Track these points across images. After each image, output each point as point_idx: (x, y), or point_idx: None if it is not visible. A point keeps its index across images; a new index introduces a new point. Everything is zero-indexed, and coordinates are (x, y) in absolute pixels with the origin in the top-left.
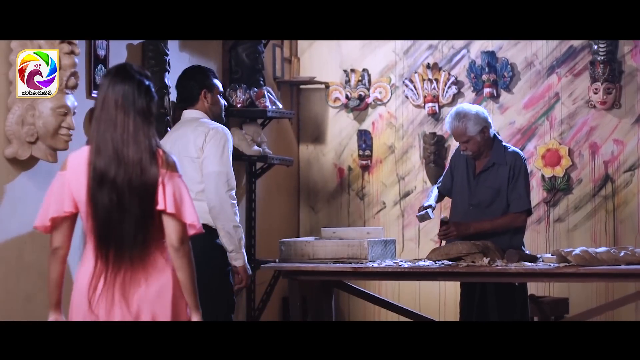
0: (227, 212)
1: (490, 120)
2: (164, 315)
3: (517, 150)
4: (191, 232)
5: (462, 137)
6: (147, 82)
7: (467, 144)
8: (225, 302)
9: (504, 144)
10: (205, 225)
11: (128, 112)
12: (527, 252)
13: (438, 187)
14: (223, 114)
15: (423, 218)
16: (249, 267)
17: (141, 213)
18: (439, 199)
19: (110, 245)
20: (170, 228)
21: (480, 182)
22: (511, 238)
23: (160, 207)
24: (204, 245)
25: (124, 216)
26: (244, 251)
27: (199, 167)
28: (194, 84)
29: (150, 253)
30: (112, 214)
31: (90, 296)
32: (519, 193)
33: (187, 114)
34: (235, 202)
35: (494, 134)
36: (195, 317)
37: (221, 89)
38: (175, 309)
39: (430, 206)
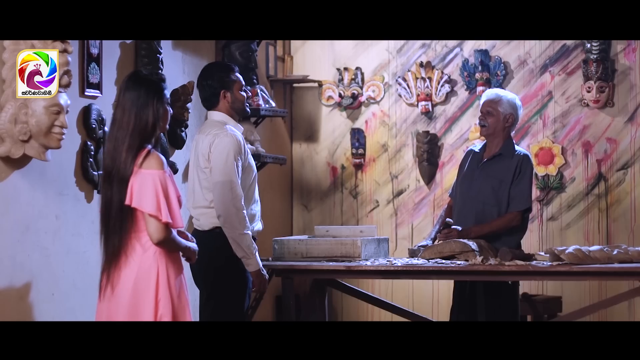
0: (232, 221)
1: (518, 118)
2: (124, 300)
3: (528, 152)
4: (158, 222)
5: (489, 107)
6: (154, 87)
7: (487, 117)
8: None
9: (516, 146)
10: (220, 229)
11: (130, 113)
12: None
13: (450, 195)
14: (247, 107)
15: (414, 253)
16: (264, 272)
17: (120, 205)
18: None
19: (103, 233)
20: (146, 223)
21: (484, 171)
22: (509, 236)
23: (126, 201)
24: (216, 246)
25: (112, 207)
26: (257, 255)
27: (209, 176)
28: (212, 84)
29: (128, 241)
30: (106, 205)
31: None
32: (521, 190)
33: (210, 116)
34: (242, 210)
35: (511, 134)
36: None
37: (242, 82)
38: (135, 296)
39: (425, 245)
